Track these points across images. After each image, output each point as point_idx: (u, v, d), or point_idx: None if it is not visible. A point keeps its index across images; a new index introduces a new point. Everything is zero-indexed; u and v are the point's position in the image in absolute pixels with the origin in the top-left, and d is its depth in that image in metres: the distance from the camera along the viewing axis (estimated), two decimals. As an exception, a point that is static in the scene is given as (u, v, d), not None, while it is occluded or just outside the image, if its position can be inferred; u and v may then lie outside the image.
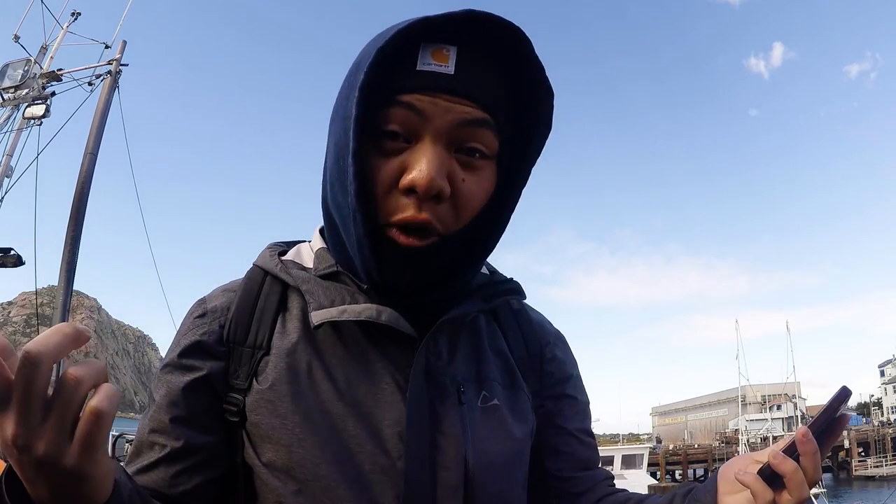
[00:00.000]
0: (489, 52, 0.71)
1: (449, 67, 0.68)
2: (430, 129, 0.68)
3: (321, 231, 0.86)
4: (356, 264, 0.74)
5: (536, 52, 0.71)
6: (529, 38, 0.69)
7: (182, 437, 0.73)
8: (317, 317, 0.74)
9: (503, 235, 0.78)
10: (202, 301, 0.81)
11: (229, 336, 0.77)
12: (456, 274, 0.76)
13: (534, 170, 0.78)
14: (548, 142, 0.76)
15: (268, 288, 0.80)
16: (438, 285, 0.75)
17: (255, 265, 0.83)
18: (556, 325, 0.96)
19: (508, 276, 0.88)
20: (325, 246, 0.83)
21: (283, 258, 0.83)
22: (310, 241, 0.88)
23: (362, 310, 0.73)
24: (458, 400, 0.75)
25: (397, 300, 0.74)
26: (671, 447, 52.08)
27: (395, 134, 0.69)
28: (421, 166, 0.67)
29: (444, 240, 0.71)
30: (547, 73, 0.72)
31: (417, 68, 0.68)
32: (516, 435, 0.78)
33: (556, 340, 0.93)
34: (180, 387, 0.74)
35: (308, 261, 0.83)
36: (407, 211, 0.69)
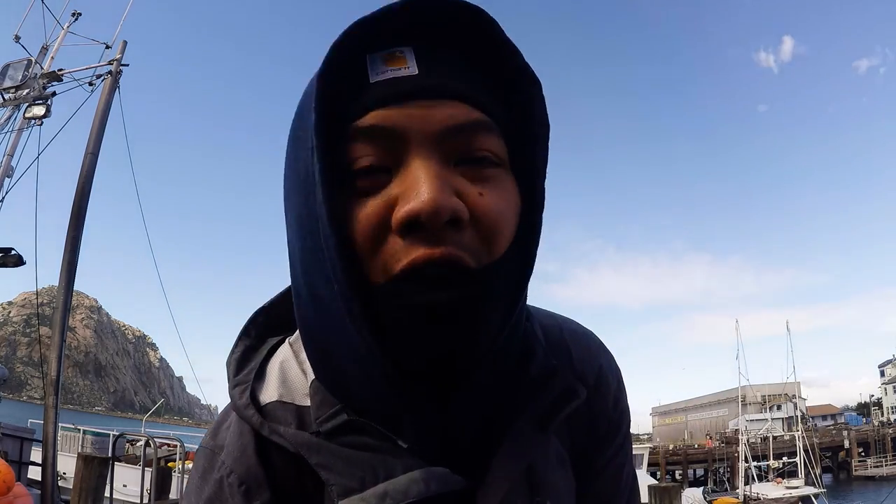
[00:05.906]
0: (453, 43, 0.55)
1: (410, 68, 0.52)
2: (413, 146, 0.51)
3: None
4: (360, 384, 0.55)
5: (507, 34, 0.55)
6: (494, 18, 0.54)
7: None
8: None
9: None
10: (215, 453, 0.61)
11: None
12: (505, 338, 0.55)
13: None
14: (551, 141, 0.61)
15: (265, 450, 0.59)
16: (484, 359, 0.53)
17: (238, 416, 0.60)
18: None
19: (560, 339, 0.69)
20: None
21: (265, 398, 0.60)
22: (290, 341, 0.66)
23: (406, 486, 0.52)
24: None
25: (437, 424, 0.55)
26: (671, 447, 52.06)
27: (370, 169, 0.52)
28: (417, 189, 0.49)
29: (483, 280, 0.51)
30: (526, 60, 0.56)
31: (371, 81, 0.52)
32: None
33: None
34: None
35: (301, 390, 0.61)
36: (415, 251, 0.49)
